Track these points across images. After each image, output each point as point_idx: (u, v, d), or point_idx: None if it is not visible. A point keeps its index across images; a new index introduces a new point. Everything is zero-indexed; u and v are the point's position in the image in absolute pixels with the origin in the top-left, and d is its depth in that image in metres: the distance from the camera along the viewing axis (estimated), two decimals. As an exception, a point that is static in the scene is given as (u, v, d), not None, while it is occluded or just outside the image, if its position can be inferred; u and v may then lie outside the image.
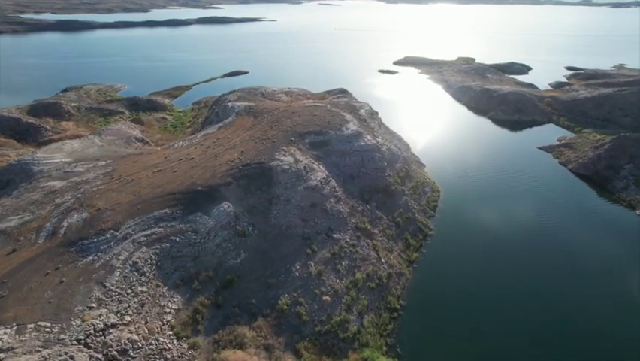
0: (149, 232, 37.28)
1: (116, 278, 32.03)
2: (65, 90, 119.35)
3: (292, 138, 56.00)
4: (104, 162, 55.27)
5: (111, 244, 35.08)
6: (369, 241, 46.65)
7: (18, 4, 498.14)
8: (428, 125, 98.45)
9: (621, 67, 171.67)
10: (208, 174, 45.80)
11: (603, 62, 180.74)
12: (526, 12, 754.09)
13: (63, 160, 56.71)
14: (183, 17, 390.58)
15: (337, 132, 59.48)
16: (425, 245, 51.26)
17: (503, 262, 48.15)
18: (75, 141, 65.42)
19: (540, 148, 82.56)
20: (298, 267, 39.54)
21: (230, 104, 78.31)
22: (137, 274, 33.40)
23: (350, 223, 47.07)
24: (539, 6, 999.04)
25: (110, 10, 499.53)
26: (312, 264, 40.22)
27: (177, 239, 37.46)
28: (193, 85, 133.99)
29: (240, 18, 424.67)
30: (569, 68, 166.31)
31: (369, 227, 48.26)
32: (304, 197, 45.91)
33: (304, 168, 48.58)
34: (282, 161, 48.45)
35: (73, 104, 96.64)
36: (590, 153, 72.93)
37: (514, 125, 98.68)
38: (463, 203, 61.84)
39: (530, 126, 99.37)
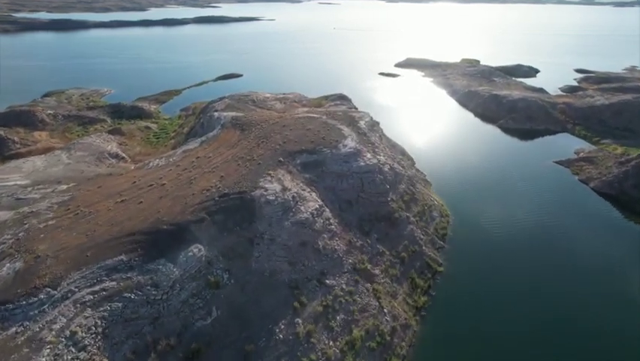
0: (97, 287, 30.11)
1: (43, 360, 24.88)
2: (46, 95, 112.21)
3: (281, 159, 48.79)
4: (65, 186, 48.16)
5: (45, 307, 27.94)
6: (369, 285, 39.53)
7: (14, 2, 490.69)
8: (433, 134, 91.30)
9: (633, 69, 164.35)
10: (178, 207, 38.61)
11: (613, 64, 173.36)
12: (528, 11, 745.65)
13: (18, 183, 49.61)
14: (179, 17, 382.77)
15: (333, 151, 52.28)
16: (434, 285, 44.12)
17: (525, 303, 41.11)
18: (39, 158, 58.31)
19: (557, 162, 75.29)
20: (283, 326, 32.41)
21: (216, 114, 71.15)
22: (74, 349, 26.27)
23: (347, 264, 39.93)
24: (541, 5, 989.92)
25: (106, 9, 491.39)
26: (300, 322, 33.08)
27: (133, 296, 30.28)
28: (183, 89, 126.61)
29: (238, 17, 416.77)
30: (578, 71, 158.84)
31: (369, 267, 41.13)
32: (292, 234, 38.74)
33: (293, 197, 41.39)
34: (266, 190, 41.25)
35: (49, 111, 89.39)
36: (614, 170, 65.74)
37: (526, 135, 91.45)
38: (475, 229, 54.72)
39: (543, 136, 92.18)
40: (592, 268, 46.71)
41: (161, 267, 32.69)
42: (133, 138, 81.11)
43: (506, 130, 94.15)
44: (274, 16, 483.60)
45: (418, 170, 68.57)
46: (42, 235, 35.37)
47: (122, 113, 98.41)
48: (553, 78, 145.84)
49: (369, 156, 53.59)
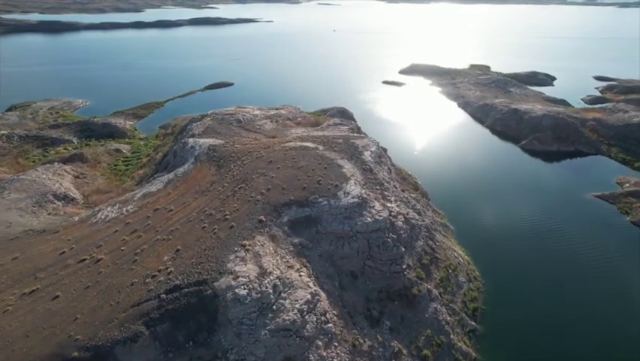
0: None
1: None
2: (9, 109, 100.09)
3: (262, 217, 36.73)
4: (-27, 254, 36.10)
5: None
6: (382, 417, 27.49)
7: (5, 3, 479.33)
8: (447, 158, 78.97)
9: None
10: (105, 309, 26.53)
11: (631, 69, 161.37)
12: (531, 12, 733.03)
13: None
14: (174, 18, 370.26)
15: (332, 201, 40.22)
16: (470, 400, 32.13)
17: None
18: (-41, 205, 46.17)
19: (598, 196, 63.35)
20: None
21: (191, 141, 59.16)
22: None
23: (350, 387, 27.89)
24: (543, 6, 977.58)
25: (101, 10, 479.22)
26: None
27: None
28: (166, 101, 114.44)
29: (235, 19, 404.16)
30: (598, 78, 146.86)
31: (382, 384, 29.09)
32: (271, 349, 26.66)
33: (274, 287, 29.31)
34: (236, 276, 29.14)
35: (3, 131, 77.29)
36: (676, 212, 53.77)
37: (554, 158, 79.47)
38: (513, 297, 42.92)
39: (573, 158, 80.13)
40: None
41: None
42: (97, 166, 69.09)
43: (530, 152, 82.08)
44: (272, 17, 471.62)
45: (435, 211, 56.50)
46: None
47: (92, 131, 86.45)
48: (572, 87, 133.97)
49: (377, 206, 41.45)
